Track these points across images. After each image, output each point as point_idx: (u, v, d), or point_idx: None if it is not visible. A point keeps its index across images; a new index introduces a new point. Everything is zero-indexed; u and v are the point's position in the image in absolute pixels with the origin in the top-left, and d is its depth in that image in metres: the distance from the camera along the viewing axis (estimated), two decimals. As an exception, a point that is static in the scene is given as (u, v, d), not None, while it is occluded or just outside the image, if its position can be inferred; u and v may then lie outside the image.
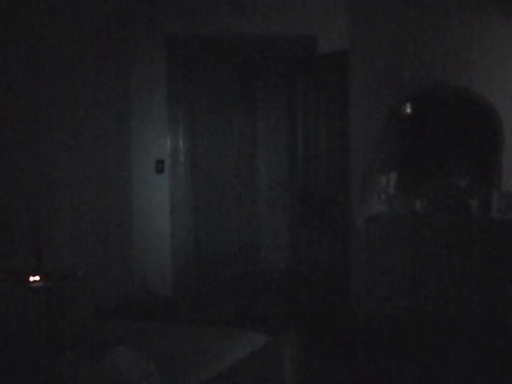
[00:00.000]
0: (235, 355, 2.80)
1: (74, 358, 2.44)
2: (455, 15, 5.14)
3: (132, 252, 5.62)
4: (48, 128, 4.68)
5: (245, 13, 5.43)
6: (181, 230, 5.67)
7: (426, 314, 4.87)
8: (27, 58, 4.48)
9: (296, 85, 5.68)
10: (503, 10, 4.99)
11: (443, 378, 4.09)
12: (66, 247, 4.81)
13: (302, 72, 5.65)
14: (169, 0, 5.56)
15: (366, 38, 5.38)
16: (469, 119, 5.23)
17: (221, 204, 6.19)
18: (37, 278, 4.03)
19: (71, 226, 4.88)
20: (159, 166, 5.61)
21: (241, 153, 6.35)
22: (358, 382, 4.07)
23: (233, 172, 6.30)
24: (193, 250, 5.80)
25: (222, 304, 5.65)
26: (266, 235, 6.47)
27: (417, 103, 5.36)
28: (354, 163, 5.36)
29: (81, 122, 5.00)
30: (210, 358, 2.71)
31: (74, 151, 4.93)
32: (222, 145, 6.20)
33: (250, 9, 5.44)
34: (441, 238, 4.85)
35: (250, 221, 6.41)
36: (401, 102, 5.33)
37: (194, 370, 2.59)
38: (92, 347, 2.59)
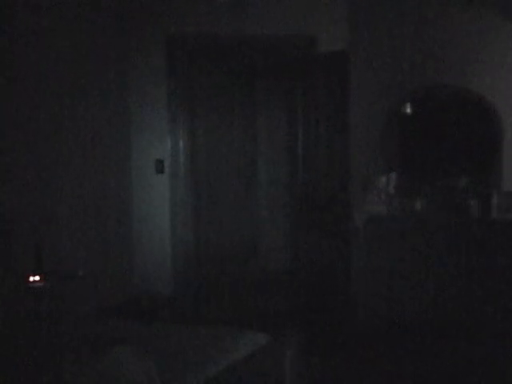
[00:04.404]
0: (235, 355, 2.81)
1: (74, 358, 2.44)
2: (455, 15, 5.14)
3: (132, 252, 5.62)
4: (48, 128, 4.69)
5: (245, 11, 5.44)
6: (181, 230, 5.67)
7: (426, 314, 4.87)
8: (27, 58, 4.48)
9: (296, 85, 5.68)
10: (503, 10, 4.99)
11: (443, 377, 4.09)
12: (66, 247, 4.81)
13: (301, 72, 5.65)
14: (169, 0, 5.56)
15: (366, 37, 5.38)
16: (469, 119, 5.23)
17: (221, 204, 6.19)
18: (37, 278, 4.04)
19: (71, 226, 4.89)
20: (159, 166, 5.60)
21: (241, 153, 6.35)
22: (357, 381, 4.07)
23: (233, 172, 6.29)
24: (193, 249, 5.80)
25: (223, 304, 5.64)
26: (266, 235, 6.46)
27: (417, 103, 5.36)
28: (354, 163, 5.36)
29: (80, 122, 5.01)
30: (210, 358, 2.71)
31: (73, 151, 4.93)
32: (222, 145, 6.20)
33: (250, 8, 5.45)
34: (441, 238, 4.85)
35: (250, 221, 6.41)
36: (401, 102, 5.33)
37: (193, 369, 2.59)
38: (92, 347, 2.59)
